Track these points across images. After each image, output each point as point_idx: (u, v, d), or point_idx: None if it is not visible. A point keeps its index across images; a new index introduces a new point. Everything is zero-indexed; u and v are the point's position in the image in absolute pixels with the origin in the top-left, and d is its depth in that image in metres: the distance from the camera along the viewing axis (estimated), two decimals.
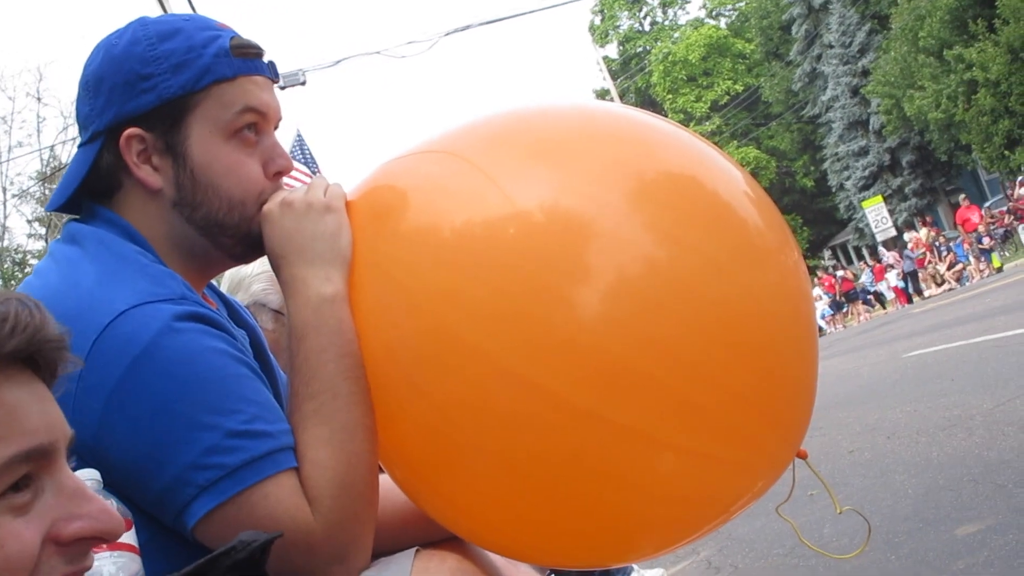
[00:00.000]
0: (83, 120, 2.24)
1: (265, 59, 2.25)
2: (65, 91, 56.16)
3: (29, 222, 45.55)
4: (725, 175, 2.19)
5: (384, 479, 2.18)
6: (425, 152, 2.25)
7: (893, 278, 42.34)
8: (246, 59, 2.21)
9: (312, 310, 2.10)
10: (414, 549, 2.04)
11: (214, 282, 2.55)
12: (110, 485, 1.83)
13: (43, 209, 44.71)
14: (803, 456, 2.21)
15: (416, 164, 2.25)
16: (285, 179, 2.33)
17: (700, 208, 2.12)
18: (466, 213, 2.10)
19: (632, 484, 2.05)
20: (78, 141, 2.28)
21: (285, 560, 1.91)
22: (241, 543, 1.76)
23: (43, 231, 45.06)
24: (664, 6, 79.58)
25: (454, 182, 2.15)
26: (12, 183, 45.03)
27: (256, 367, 2.12)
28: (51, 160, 45.07)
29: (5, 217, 44.65)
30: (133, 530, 1.82)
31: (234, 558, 1.76)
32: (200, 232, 2.21)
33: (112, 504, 1.79)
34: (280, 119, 2.29)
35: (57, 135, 44.79)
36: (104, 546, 1.76)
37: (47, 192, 44.83)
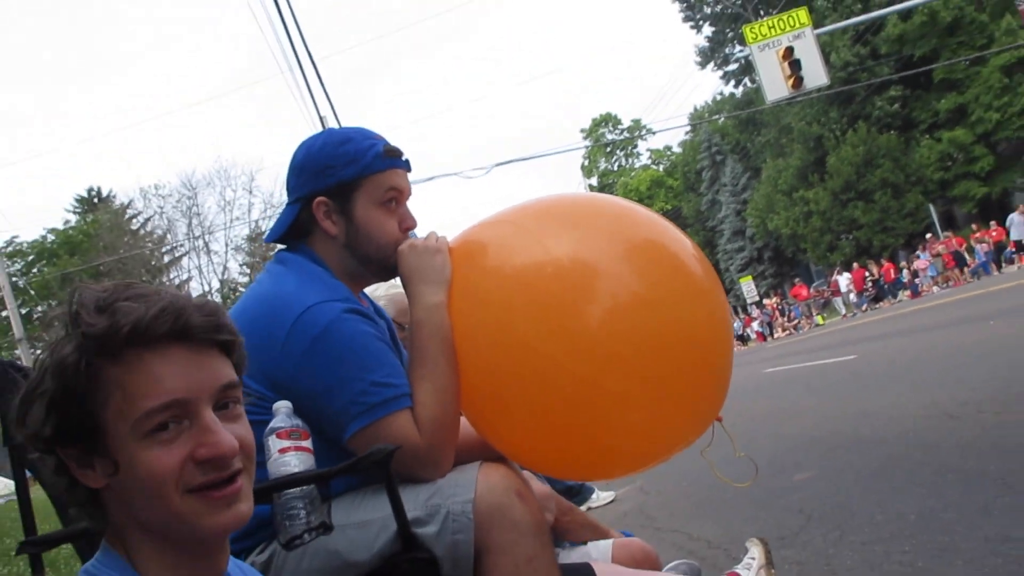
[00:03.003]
0: (290, 188, 2.25)
1: (404, 157, 2.26)
2: (267, 186, 57.00)
3: (240, 265, 46.26)
4: (680, 240, 2.17)
5: (461, 418, 2.17)
6: (496, 221, 2.25)
7: (756, 325, 42.16)
8: (393, 158, 2.22)
9: (425, 312, 2.10)
10: (479, 462, 2.02)
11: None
12: (299, 411, 1.84)
13: (250, 257, 45.54)
14: (719, 419, 2.18)
15: (491, 227, 2.25)
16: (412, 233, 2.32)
17: (666, 257, 2.12)
18: (519, 258, 2.11)
19: (614, 428, 2.03)
20: (275, 215, 2.30)
21: (402, 464, 1.91)
22: (376, 451, 1.82)
23: (248, 271, 45.66)
24: (627, 157, 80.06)
25: (512, 239, 2.16)
26: (231, 241, 45.89)
27: (391, 344, 2.13)
28: (255, 229, 45.88)
29: (227, 262, 45.39)
30: (310, 439, 1.82)
31: (371, 460, 1.81)
32: (358, 262, 2.22)
33: (298, 423, 1.80)
34: (411, 195, 2.29)
35: (260, 213, 45.58)
36: (292, 447, 1.77)
37: (252, 248, 45.67)
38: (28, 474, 1.86)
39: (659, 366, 2.00)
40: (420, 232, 2.27)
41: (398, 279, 2.59)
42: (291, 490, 1.72)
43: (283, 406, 1.81)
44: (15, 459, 1.79)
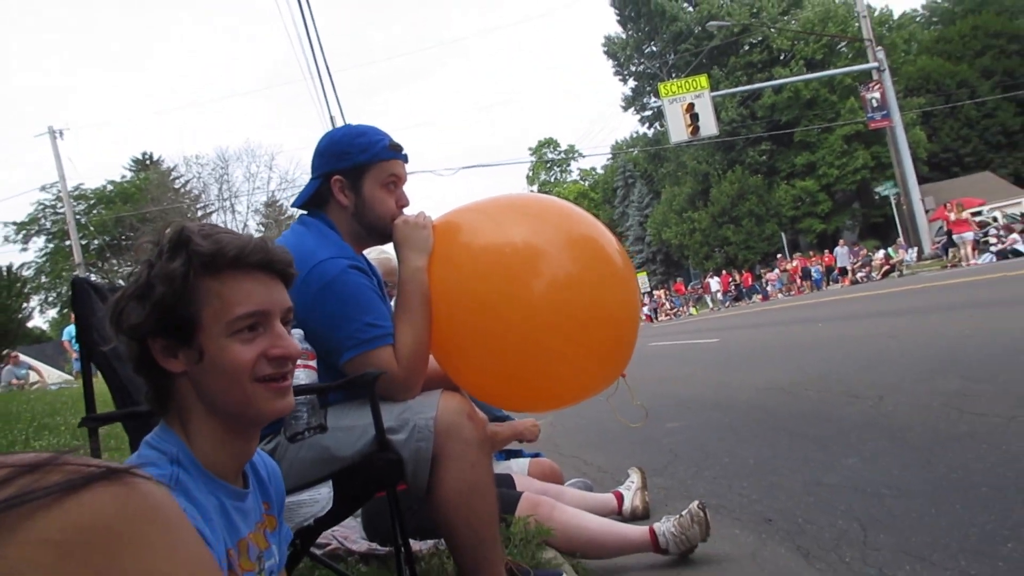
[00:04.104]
0: (314, 167, 2.19)
1: (404, 152, 2.21)
2: (283, 165, 55.51)
3: (257, 224, 45.20)
4: (607, 237, 2.15)
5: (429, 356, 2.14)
6: (471, 208, 2.22)
7: (646, 310, 42.36)
8: (396, 151, 2.17)
9: (411, 272, 2.07)
10: (440, 390, 2.00)
11: None
12: (308, 338, 1.82)
13: (266, 219, 44.43)
14: (624, 375, 2.19)
15: (467, 212, 2.21)
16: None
17: (595, 249, 2.10)
18: (485, 238, 2.08)
19: (545, 372, 2.02)
20: (289, 188, 2.25)
21: (383, 388, 1.89)
22: (367, 374, 1.80)
23: (263, 230, 44.56)
24: (562, 172, 79.70)
25: (481, 224, 2.13)
26: (252, 205, 44.94)
27: (380, 294, 2.09)
28: (272, 198, 45.01)
29: (246, 221, 44.44)
30: (315, 360, 1.80)
31: (362, 380, 1.79)
32: (362, 229, 2.16)
33: (307, 347, 1.77)
34: (406, 181, 2.24)
35: (277, 186, 44.59)
36: (301, 365, 1.73)
37: (268, 212, 44.74)
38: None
39: (583, 331, 1.99)
40: (411, 210, 2.23)
41: (384, 247, 2.55)
42: (298, 397, 1.69)
43: (297, 332, 1.77)
44: (84, 354, 1.74)
